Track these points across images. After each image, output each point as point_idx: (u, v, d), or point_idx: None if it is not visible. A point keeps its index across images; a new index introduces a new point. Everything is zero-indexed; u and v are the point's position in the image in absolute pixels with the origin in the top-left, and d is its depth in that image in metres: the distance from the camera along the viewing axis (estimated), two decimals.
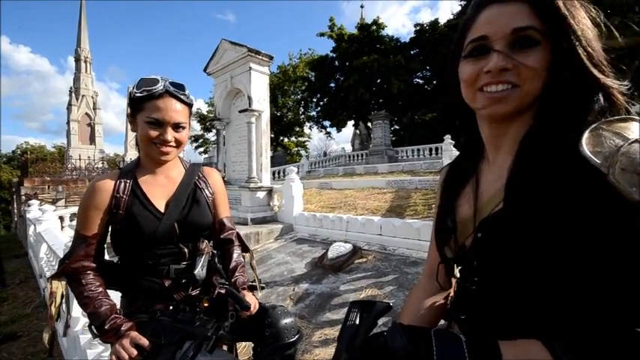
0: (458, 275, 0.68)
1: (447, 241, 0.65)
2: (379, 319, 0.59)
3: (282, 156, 22.33)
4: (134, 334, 0.92)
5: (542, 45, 0.46)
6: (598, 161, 0.39)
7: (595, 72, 0.45)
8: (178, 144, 1.02)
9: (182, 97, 1.00)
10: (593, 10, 0.49)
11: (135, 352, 0.88)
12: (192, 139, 30.34)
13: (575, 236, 0.41)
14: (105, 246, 1.06)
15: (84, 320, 2.29)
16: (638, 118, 0.44)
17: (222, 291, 1.04)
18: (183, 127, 1.02)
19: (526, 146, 0.49)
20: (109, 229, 1.03)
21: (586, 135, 0.42)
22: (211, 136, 27.55)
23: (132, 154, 28.68)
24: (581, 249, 0.40)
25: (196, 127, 29.42)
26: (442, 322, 0.73)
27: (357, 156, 17.76)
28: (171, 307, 1.01)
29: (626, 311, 0.37)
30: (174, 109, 0.98)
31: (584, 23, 0.46)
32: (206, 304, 1.01)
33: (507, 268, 0.49)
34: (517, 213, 0.47)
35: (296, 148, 30.34)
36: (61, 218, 6.80)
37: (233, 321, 0.98)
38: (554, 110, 0.47)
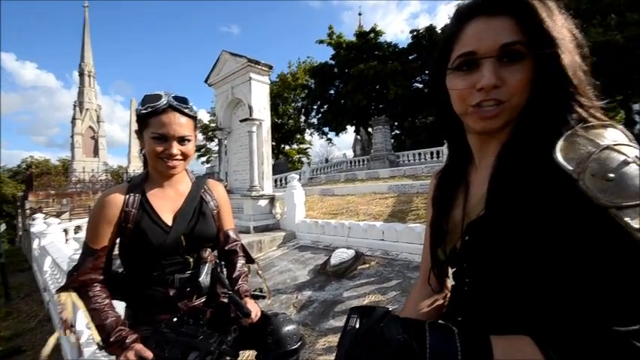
0: (452, 277, 0.69)
1: (440, 244, 0.66)
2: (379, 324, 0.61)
3: (284, 164, 22.41)
4: (139, 346, 0.92)
5: (527, 59, 0.47)
6: (570, 167, 0.41)
7: (576, 95, 0.46)
8: (185, 157, 1.04)
9: (186, 110, 1.02)
10: (570, 17, 0.50)
11: None
12: (195, 149, 30.47)
13: (550, 240, 0.42)
14: (112, 258, 1.08)
15: (88, 332, 2.30)
16: (614, 124, 0.45)
17: (225, 300, 1.05)
18: (189, 140, 1.04)
19: (505, 154, 0.51)
20: (117, 241, 1.05)
21: (561, 142, 0.43)
22: (213, 145, 27.73)
23: (135, 166, 28.85)
24: (557, 252, 0.42)
25: (199, 137, 29.58)
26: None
27: (359, 161, 17.78)
28: (175, 319, 1.02)
29: (600, 310, 0.38)
30: (179, 123, 1.00)
31: (567, 37, 0.47)
32: (208, 316, 1.02)
33: (492, 269, 0.51)
34: (496, 217, 0.49)
35: (297, 156, 30.44)
36: (66, 231, 6.84)
37: (236, 335, 0.98)
38: (532, 120, 0.49)
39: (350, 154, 22.80)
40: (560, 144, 0.43)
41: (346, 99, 22.41)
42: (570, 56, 0.47)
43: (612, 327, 0.36)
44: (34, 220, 7.73)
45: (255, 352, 1.17)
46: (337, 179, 14.18)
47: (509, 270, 0.48)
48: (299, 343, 1.10)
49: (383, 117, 17.30)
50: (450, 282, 0.74)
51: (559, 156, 0.42)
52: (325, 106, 25.45)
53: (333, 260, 3.91)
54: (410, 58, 22.20)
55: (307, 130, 29.28)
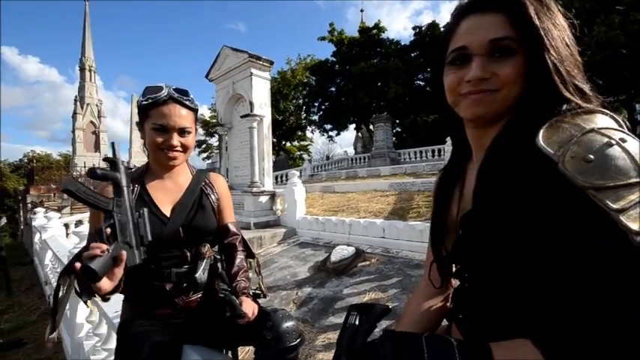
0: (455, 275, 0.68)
1: (441, 240, 0.66)
2: (378, 322, 0.60)
3: (285, 160, 22.39)
4: None
5: (519, 53, 0.48)
6: (551, 151, 0.40)
7: (561, 88, 0.47)
8: (185, 149, 1.05)
9: (186, 102, 1.03)
10: (566, 15, 0.51)
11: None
12: (196, 144, 30.51)
13: (535, 229, 0.41)
14: None
15: (88, 326, 2.30)
16: (604, 110, 0.44)
17: (222, 295, 1.05)
18: (189, 132, 1.04)
19: (494, 146, 0.51)
20: None
21: (545, 127, 0.43)
22: (214, 141, 27.73)
23: (136, 161, 28.87)
24: (542, 242, 0.40)
25: (199, 133, 29.62)
26: (445, 323, 0.73)
27: (360, 159, 17.76)
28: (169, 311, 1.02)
29: (589, 300, 0.36)
30: (179, 115, 1.01)
31: (555, 34, 0.48)
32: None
33: (486, 264, 0.51)
34: (483, 209, 0.49)
35: (298, 153, 30.42)
36: (67, 225, 6.85)
37: None
38: (523, 113, 0.49)
39: (351, 151, 22.77)
40: (543, 130, 0.43)
41: (347, 97, 22.33)
42: (556, 50, 0.47)
43: (606, 318, 0.34)
44: (35, 214, 7.74)
45: (254, 349, 1.16)
46: (338, 176, 14.16)
47: (502, 263, 0.47)
48: (298, 340, 1.10)
49: (384, 115, 17.21)
50: (454, 280, 0.74)
51: (541, 140, 0.41)
52: (326, 104, 25.34)
53: (334, 257, 3.91)
54: (412, 55, 22.07)
55: (308, 128, 29.22)
